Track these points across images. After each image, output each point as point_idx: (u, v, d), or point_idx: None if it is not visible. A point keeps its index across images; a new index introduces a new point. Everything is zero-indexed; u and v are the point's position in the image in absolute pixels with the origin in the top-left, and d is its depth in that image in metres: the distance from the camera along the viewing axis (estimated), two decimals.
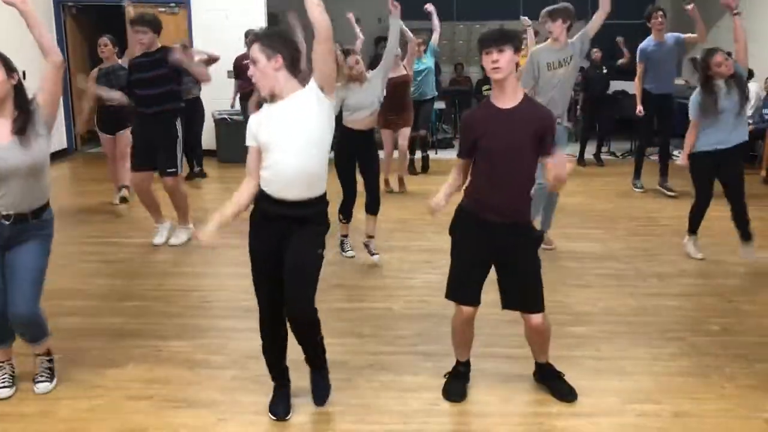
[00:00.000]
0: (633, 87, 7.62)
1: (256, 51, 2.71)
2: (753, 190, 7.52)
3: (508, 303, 3.03)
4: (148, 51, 5.05)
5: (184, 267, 4.97)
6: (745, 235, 4.96)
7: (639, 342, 3.72)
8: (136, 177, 5.18)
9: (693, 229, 5.15)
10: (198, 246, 5.34)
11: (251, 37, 2.78)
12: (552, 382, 3.16)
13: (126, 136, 5.91)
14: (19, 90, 2.92)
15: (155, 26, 5.06)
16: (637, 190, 7.43)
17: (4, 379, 3.17)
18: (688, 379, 3.31)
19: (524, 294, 2.97)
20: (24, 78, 2.98)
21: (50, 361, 3.24)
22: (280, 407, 2.97)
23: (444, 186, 3.07)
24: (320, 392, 3.03)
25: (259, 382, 3.22)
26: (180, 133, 5.24)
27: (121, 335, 3.76)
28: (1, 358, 3.19)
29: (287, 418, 2.95)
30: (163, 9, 8.38)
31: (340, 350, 3.16)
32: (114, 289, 4.50)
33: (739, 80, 4.86)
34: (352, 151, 4.93)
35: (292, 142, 2.73)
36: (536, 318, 2.97)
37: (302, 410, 3.02)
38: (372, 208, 5.07)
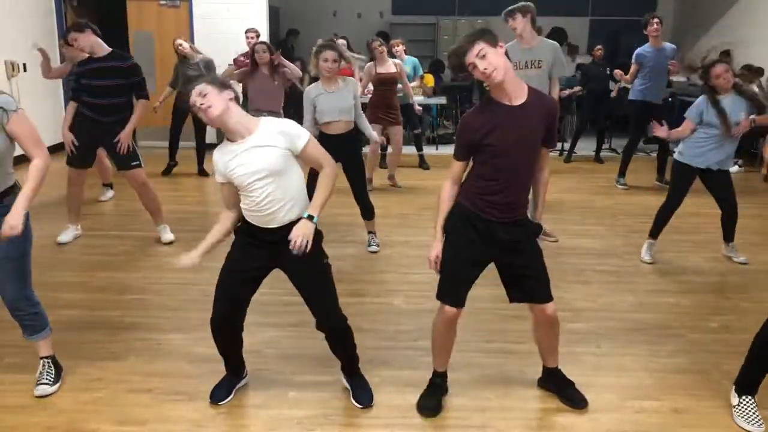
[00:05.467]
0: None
1: None
2: (753, 187, 7.56)
3: (516, 297, 2.92)
4: (97, 56, 4.82)
5: None
6: (728, 236, 4.99)
7: (638, 338, 3.72)
8: (73, 172, 5.03)
9: (653, 233, 4.96)
10: (198, 239, 5.33)
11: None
12: (564, 390, 3.08)
13: None
14: None
15: (84, 28, 4.78)
16: (620, 187, 7.42)
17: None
18: (687, 376, 3.32)
19: (536, 285, 2.88)
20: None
21: (52, 365, 3.15)
22: (222, 391, 3.07)
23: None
24: (366, 396, 3.04)
25: (258, 377, 3.24)
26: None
27: (121, 328, 3.76)
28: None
29: (224, 402, 3.02)
30: (164, 2, 8.37)
31: None
32: (114, 282, 4.50)
33: (742, 95, 4.51)
34: (333, 156, 4.88)
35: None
36: (551, 306, 2.91)
37: (301, 405, 3.03)
38: (367, 215, 5.12)
